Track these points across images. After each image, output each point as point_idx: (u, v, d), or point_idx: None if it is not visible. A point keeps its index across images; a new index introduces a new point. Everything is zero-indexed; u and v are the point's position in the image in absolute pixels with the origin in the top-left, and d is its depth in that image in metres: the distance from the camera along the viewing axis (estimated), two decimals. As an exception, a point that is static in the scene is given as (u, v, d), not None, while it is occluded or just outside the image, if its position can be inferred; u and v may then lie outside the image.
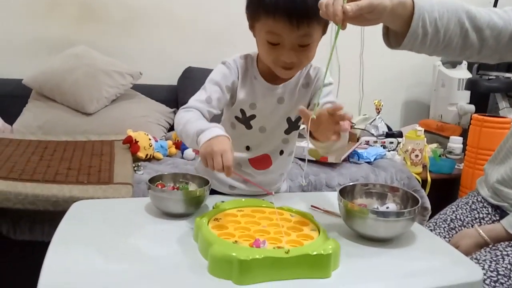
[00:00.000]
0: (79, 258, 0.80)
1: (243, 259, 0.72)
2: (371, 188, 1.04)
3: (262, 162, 1.20)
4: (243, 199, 1.05)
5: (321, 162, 2.19)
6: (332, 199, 1.19)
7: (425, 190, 2.36)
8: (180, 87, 2.78)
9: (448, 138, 2.87)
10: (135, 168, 1.82)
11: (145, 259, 0.81)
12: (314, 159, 2.20)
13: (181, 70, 2.82)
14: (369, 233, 0.92)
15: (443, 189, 2.58)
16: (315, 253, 0.75)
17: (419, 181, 2.34)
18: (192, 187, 1.10)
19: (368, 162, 2.33)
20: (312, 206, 1.16)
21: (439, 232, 1.24)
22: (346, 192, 1.01)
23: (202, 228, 0.85)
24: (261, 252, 0.75)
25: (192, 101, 1.05)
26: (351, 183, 1.05)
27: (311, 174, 2.07)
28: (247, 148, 1.18)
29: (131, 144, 1.95)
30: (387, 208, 1.00)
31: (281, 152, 1.20)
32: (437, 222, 1.28)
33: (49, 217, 1.47)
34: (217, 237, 0.81)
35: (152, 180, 1.06)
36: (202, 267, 0.78)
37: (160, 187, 1.06)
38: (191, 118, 1.00)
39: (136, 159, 1.94)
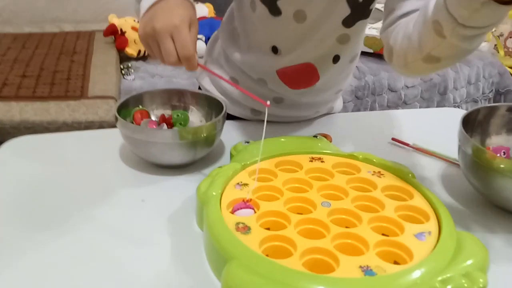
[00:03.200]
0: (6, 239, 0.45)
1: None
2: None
3: (301, 76, 0.77)
4: (282, 138, 0.66)
5: (381, 56, 1.71)
6: (415, 119, 0.79)
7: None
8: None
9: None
10: (123, 72, 1.45)
11: (104, 260, 0.46)
12: (371, 51, 1.72)
13: None
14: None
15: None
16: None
17: (514, 79, 1.87)
18: (195, 115, 0.71)
19: (444, 54, 1.83)
20: (393, 139, 0.76)
21: None
22: (470, 121, 0.60)
23: (211, 212, 0.48)
24: (330, 283, 0.37)
25: None
26: (484, 106, 0.63)
27: (368, 74, 1.62)
28: (274, 50, 0.73)
29: (116, 36, 1.54)
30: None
31: (336, 59, 0.75)
32: None
33: None
34: (237, 240, 0.43)
35: (127, 105, 0.66)
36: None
37: (140, 117, 0.67)
38: None
39: (124, 58, 1.53)
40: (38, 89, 1.16)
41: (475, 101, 1.90)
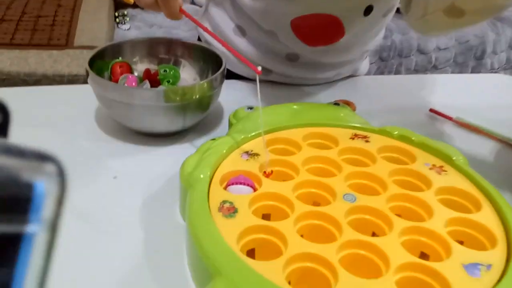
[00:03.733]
0: None
1: None
2: None
3: (321, 30, 0.64)
4: (294, 105, 0.54)
5: (412, 12, 1.55)
6: (456, 86, 0.67)
7: None
8: None
9: None
10: (117, 20, 1.31)
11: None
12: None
13: None
14: None
15: None
16: None
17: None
18: (188, 72, 0.59)
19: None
20: (431, 110, 0.64)
21: None
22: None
23: (195, 201, 0.37)
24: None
25: None
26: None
27: (395, 32, 1.46)
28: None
29: (111, -22, 1.39)
30: None
31: (368, 10, 0.62)
32: None
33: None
34: (227, 247, 0.32)
35: (103, 56, 0.55)
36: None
37: (119, 72, 0.55)
38: None
39: (120, 5, 1.41)
40: (17, 35, 1.04)
41: (515, 69, 1.74)
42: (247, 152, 0.44)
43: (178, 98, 0.50)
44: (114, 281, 0.36)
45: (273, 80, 0.71)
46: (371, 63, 1.43)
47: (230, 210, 0.36)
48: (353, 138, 0.47)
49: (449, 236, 0.34)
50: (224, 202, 0.37)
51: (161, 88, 0.51)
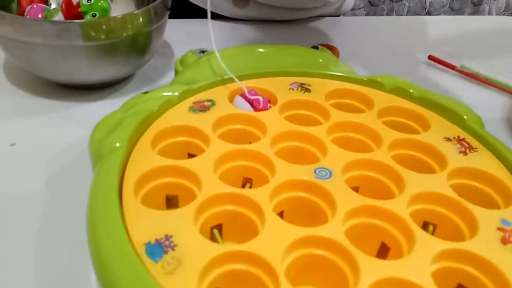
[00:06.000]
0: None
1: None
2: None
3: None
4: (259, 48, 0.43)
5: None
6: (457, 30, 0.58)
7: None
8: None
9: None
10: None
11: None
12: None
13: None
14: None
15: None
16: None
17: None
18: (123, 4, 0.46)
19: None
20: (431, 58, 0.54)
21: None
22: None
23: (100, 181, 0.26)
24: None
25: None
26: None
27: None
28: None
29: None
30: None
31: None
32: None
33: None
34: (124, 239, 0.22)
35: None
36: None
37: (29, 2, 0.43)
38: None
39: None
40: None
41: (514, 16, 1.62)
42: (295, 83, 0.36)
43: (102, 36, 0.37)
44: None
45: (249, 17, 0.58)
46: (358, 8, 1.30)
47: (202, 107, 0.32)
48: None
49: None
50: (210, 100, 0.32)
51: (75, 22, 0.38)
